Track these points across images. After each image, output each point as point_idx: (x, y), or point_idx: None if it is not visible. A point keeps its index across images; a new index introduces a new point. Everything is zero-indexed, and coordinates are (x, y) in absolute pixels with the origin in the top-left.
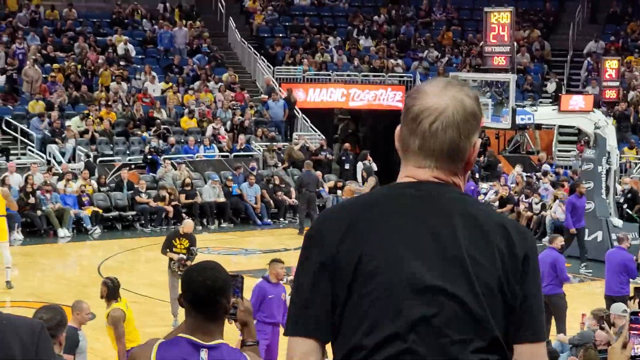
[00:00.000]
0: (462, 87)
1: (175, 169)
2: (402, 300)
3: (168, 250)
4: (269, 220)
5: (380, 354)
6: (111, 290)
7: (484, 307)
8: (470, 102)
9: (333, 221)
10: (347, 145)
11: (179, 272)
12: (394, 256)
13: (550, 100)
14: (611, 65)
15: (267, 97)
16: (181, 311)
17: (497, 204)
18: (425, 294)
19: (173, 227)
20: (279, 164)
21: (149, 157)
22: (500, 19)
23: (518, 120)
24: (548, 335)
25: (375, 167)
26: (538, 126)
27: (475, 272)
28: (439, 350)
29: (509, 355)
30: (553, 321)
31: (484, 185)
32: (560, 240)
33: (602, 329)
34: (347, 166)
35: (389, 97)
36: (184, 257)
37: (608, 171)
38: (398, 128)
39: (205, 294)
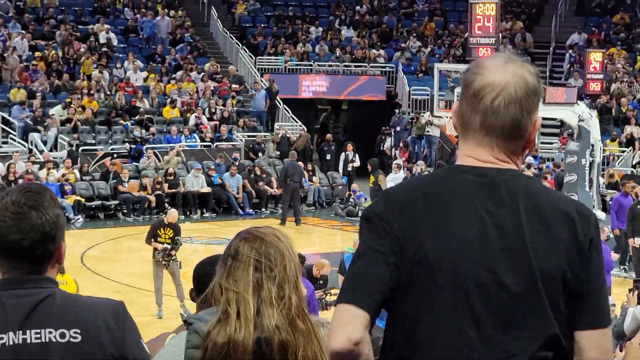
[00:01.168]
0: (523, 63)
1: (159, 160)
2: (463, 294)
3: (152, 239)
4: (251, 210)
5: (439, 349)
6: None
7: (545, 304)
8: (532, 78)
9: (395, 204)
10: (329, 136)
11: (163, 262)
12: (457, 246)
13: None
14: (595, 57)
15: (238, 86)
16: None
17: None
18: (486, 288)
19: (156, 216)
20: (274, 154)
21: (133, 146)
22: (485, 10)
23: None
24: None
25: (357, 159)
26: None
27: (538, 265)
28: (499, 347)
29: (566, 346)
30: None
31: None
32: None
33: None
34: (328, 157)
35: (370, 88)
36: (169, 246)
37: (592, 164)
38: (456, 104)
39: None
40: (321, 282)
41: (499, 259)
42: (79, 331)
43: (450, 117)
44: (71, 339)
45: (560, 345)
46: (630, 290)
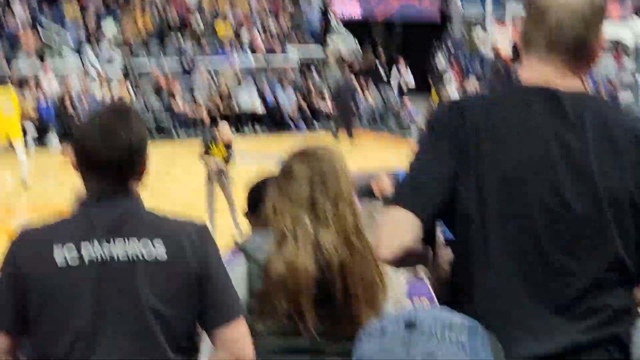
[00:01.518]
0: None
1: (213, 77)
2: (525, 213)
3: (205, 156)
4: (304, 126)
5: (497, 267)
6: None
7: (611, 226)
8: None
9: (459, 112)
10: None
11: (216, 178)
12: (520, 165)
13: None
14: None
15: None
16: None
17: None
18: (549, 208)
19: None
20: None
21: (186, 63)
22: None
23: None
24: None
25: (410, 75)
26: None
27: (604, 187)
28: (559, 267)
29: (633, 270)
30: None
31: None
32: None
33: None
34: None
35: (422, 6)
36: (219, 161)
37: None
38: (520, 20)
39: None
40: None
41: (565, 180)
42: (164, 244)
43: (503, 34)
44: (159, 255)
45: (626, 268)
46: None
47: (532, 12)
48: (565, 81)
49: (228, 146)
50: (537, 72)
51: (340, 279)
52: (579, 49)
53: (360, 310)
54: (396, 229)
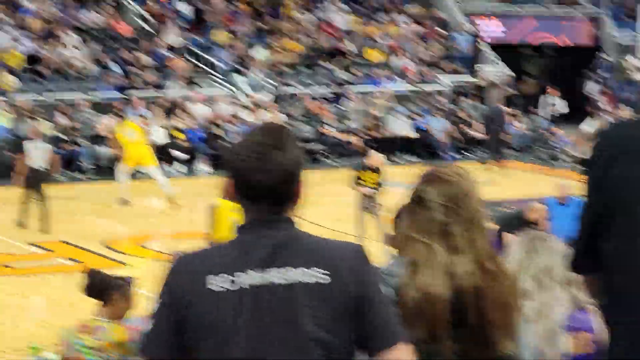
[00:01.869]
0: None
1: (364, 103)
2: None
3: (356, 184)
4: (456, 154)
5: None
6: None
7: None
8: None
9: (605, 141)
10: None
11: (367, 207)
12: None
13: None
14: None
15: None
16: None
17: None
18: None
19: (359, 160)
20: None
21: (337, 90)
22: None
23: None
24: None
25: (561, 103)
26: None
27: None
28: None
29: None
30: None
31: None
32: None
33: None
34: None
35: (576, 33)
36: (373, 191)
37: None
38: None
39: None
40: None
41: None
42: (326, 271)
43: None
44: (319, 280)
45: None
46: None
47: None
48: None
49: (378, 174)
50: None
51: (474, 304)
52: None
53: (496, 335)
54: None
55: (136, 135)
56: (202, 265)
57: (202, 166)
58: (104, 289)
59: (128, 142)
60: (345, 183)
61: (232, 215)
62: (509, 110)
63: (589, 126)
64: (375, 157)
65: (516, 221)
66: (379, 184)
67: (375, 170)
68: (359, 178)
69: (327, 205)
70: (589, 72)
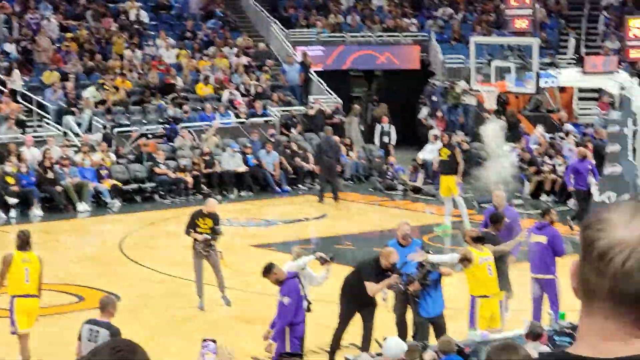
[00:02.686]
0: None
1: (195, 139)
2: None
3: (192, 230)
4: (288, 187)
5: None
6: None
7: None
8: None
9: None
10: (355, 107)
11: (204, 253)
12: None
13: (571, 59)
14: (635, 24)
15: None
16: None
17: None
18: None
19: (193, 197)
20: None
21: (167, 126)
22: None
23: (542, 84)
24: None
25: (393, 132)
26: None
27: None
28: None
29: None
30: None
31: (505, 147)
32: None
33: None
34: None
35: (404, 58)
36: (209, 236)
37: (635, 132)
38: (574, 265)
39: None
40: (390, 273)
41: None
42: None
43: (487, 91)
44: None
45: None
46: None
47: (592, 257)
48: (634, 340)
49: (215, 220)
50: (601, 330)
51: None
52: None
53: None
54: None
55: None
56: None
57: (36, 211)
58: None
59: None
60: (181, 222)
61: (24, 266)
62: (341, 140)
63: (428, 153)
64: (210, 203)
65: (372, 271)
66: (214, 229)
67: (210, 216)
68: (194, 224)
69: (162, 248)
70: (421, 96)
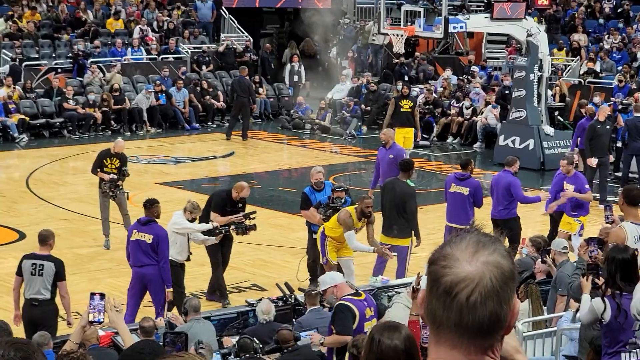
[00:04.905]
0: (494, 245)
1: (104, 74)
2: None
3: (98, 170)
4: (197, 124)
5: None
6: None
7: None
8: (506, 262)
9: None
10: (267, 45)
11: (110, 193)
12: None
13: (481, 1)
14: None
15: None
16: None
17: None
18: None
19: (102, 133)
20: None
21: (78, 60)
22: None
23: (450, 29)
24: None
25: (303, 71)
26: None
27: None
28: None
29: None
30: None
31: (415, 89)
32: (517, 164)
33: (544, 262)
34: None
35: None
36: (115, 177)
37: (540, 79)
38: (421, 296)
39: None
40: (240, 205)
41: None
42: None
43: (396, 35)
44: None
45: None
46: (584, 276)
47: (439, 292)
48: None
49: (122, 161)
50: (447, 357)
51: None
52: (493, 326)
53: None
54: None
55: None
56: None
57: None
58: None
59: None
60: (89, 158)
61: None
62: (252, 79)
63: (337, 93)
64: (119, 143)
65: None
66: (121, 170)
67: (117, 156)
68: (101, 164)
69: (69, 185)
70: (332, 36)
